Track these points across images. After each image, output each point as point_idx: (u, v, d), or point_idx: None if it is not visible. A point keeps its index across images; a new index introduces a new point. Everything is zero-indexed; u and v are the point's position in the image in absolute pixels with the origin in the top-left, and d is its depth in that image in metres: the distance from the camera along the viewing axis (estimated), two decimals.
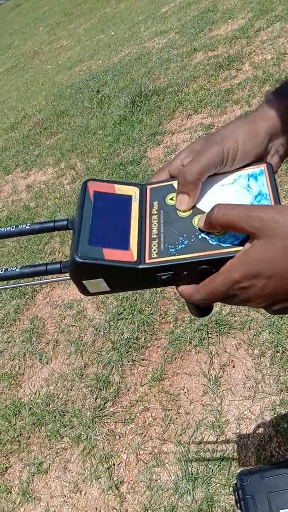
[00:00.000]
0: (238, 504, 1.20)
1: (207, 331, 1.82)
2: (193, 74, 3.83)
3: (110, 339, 2.05)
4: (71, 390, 1.95)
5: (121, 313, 2.14)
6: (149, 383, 1.79)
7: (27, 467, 1.77)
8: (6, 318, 2.53)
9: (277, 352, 1.63)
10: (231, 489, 1.36)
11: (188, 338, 1.84)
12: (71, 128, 4.35)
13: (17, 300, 2.60)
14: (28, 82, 7.29)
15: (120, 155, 3.37)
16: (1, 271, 0.45)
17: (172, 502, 1.43)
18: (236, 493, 1.22)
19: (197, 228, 0.43)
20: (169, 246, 0.43)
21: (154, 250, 0.43)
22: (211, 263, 0.41)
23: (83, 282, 0.44)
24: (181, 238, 0.43)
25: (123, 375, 1.87)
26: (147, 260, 0.42)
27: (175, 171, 0.47)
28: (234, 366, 1.67)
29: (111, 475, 1.60)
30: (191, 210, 0.44)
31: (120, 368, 1.90)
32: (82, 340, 2.14)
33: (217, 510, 1.36)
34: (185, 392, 1.69)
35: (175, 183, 0.46)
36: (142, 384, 1.81)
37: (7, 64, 9.60)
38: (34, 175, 3.95)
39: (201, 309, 0.48)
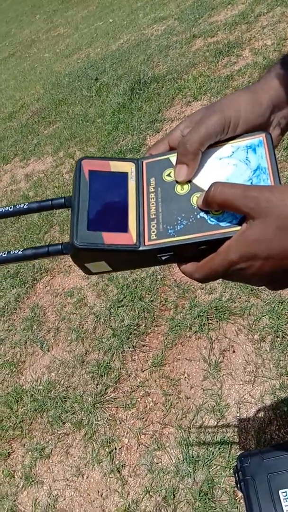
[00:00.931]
0: (238, 485, 1.22)
1: (207, 317, 1.83)
2: (193, 61, 3.80)
3: (111, 326, 2.06)
4: (72, 376, 1.96)
5: (122, 300, 2.15)
6: (150, 369, 1.80)
7: (30, 452, 1.79)
8: (6, 307, 2.54)
9: (277, 337, 1.64)
10: (231, 471, 1.38)
11: (188, 324, 1.85)
12: (69, 116, 4.32)
13: (17, 288, 2.60)
14: (26, 71, 7.22)
15: (119, 143, 3.35)
16: (4, 254, 0.45)
17: (173, 485, 1.45)
18: (236, 475, 1.24)
19: (195, 207, 0.42)
20: (168, 227, 0.43)
21: (153, 232, 0.43)
22: (210, 243, 0.41)
23: (85, 264, 0.44)
24: (179, 218, 0.43)
25: (124, 361, 1.88)
26: (146, 242, 0.43)
27: (175, 142, 0.46)
28: (234, 351, 1.68)
29: (112, 459, 1.61)
30: (189, 187, 0.44)
31: (120, 355, 1.91)
32: (83, 328, 2.15)
33: (218, 491, 1.38)
34: (185, 377, 1.70)
35: (171, 157, 0.45)
36: (143, 369, 1.82)
37: (4, 53, 9.49)
38: (32, 164, 3.93)
39: None
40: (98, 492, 1.56)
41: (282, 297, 1.76)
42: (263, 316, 1.73)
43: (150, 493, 1.47)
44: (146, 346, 1.90)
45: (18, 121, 5.08)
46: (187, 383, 1.69)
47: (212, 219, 0.41)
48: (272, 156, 0.43)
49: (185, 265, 0.43)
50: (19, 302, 2.53)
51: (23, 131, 4.68)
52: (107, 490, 1.55)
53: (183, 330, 1.85)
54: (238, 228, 0.40)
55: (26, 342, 2.26)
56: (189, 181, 0.44)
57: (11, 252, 0.45)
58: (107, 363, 1.91)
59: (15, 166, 4.11)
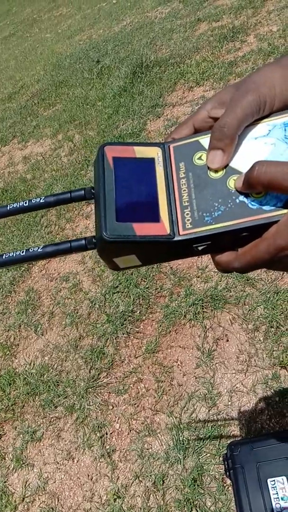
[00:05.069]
0: (228, 473, 1.23)
1: (202, 306, 1.82)
2: (196, 45, 3.73)
3: (106, 312, 2.05)
4: (65, 361, 1.96)
5: (117, 286, 2.14)
6: (143, 355, 1.80)
7: (21, 435, 1.80)
8: (1, 290, 2.52)
9: (271, 327, 1.64)
10: (221, 459, 1.39)
11: (183, 312, 1.84)
12: (69, 99, 4.25)
13: (12, 272, 2.59)
14: (27, 51, 7.09)
15: (119, 127, 3.30)
16: (23, 252, 0.42)
17: (163, 470, 1.46)
18: (226, 463, 1.24)
19: (233, 191, 0.39)
20: (205, 214, 0.39)
21: (188, 220, 0.39)
22: (253, 229, 0.37)
23: (113, 259, 0.41)
24: (216, 204, 0.39)
25: (118, 347, 1.88)
26: (181, 232, 0.39)
27: (201, 124, 0.42)
28: (227, 340, 1.68)
29: (103, 443, 1.62)
30: (224, 170, 0.40)
31: (114, 340, 1.91)
32: (77, 313, 2.14)
33: (207, 478, 1.38)
34: (178, 365, 1.70)
35: (201, 139, 0.42)
36: (136, 356, 1.81)
37: (5, 32, 9.31)
38: (31, 147, 3.88)
39: None
40: (88, 476, 1.57)
41: (277, 288, 1.75)
42: (258, 306, 1.72)
43: (140, 478, 1.48)
44: (140, 333, 1.89)
45: (18, 102, 5.00)
46: (180, 370, 1.69)
47: (253, 202, 0.38)
48: None
49: (221, 255, 0.40)
50: (14, 285, 2.51)
51: (22, 113, 4.62)
52: (97, 474, 1.56)
53: (177, 318, 1.84)
54: (285, 211, 0.36)
55: (20, 326, 2.25)
56: None
57: (30, 250, 0.42)
58: (101, 348, 1.91)
59: (13, 148, 4.06)
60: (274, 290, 1.74)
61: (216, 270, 1.94)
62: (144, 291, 2.02)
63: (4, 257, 0.42)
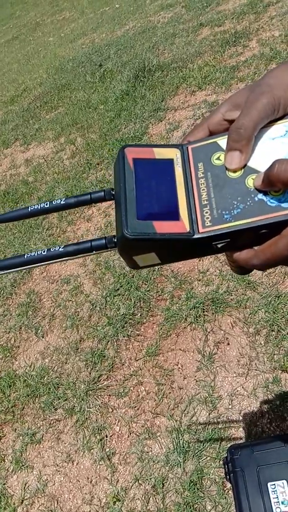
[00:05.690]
0: (228, 477, 1.22)
1: (203, 309, 1.82)
2: (199, 50, 3.75)
3: (106, 315, 2.05)
4: (66, 363, 1.96)
5: (118, 289, 2.14)
6: (144, 358, 1.80)
7: (21, 437, 1.79)
8: (2, 292, 2.52)
9: (272, 331, 1.64)
10: (221, 462, 1.38)
11: (184, 315, 1.84)
12: (72, 102, 4.27)
13: (14, 274, 2.59)
14: (29, 55, 7.13)
15: (121, 131, 3.31)
16: (45, 252, 0.43)
17: (163, 474, 1.46)
18: (226, 466, 1.24)
19: (252, 190, 0.40)
20: (224, 212, 0.40)
21: (207, 218, 0.40)
22: (272, 226, 0.38)
23: (133, 257, 0.42)
24: (235, 202, 0.40)
25: (118, 350, 1.88)
26: (201, 230, 0.40)
27: (216, 126, 0.44)
28: (228, 344, 1.68)
29: (103, 446, 1.62)
30: (242, 170, 0.41)
31: (115, 343, 1.91)
32: (78, 315, 2.14)
33: (207, 482, 1.38)
34: (179, 368, 1.70)
35: (219, 141, 0.43)
36: (137, 359, 1.81)
37: (8, 35, 9.36)
38: (33, 149, 3.89)
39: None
40: (88, 478, 1.57)
41: (279, 291, 1.75)
42: (259, 309, 1.72)
43: (140, 481, 1.48)
44: (141, 336, 1.89)
45: (20, 105, 5.03)
46: (181, 373, 1.68)
47: (272, 200, 0.38)
48: None
49: (240, 252, 0.41)
50: (15, 287, 2.52)
51: (24, 115, 4.63)
52: (96, 477, 1.56)
53: (178, 321, 1.84)
54: None
55: (21, 328, 2.25)
56: None
57: (51, 250, 0.43)
58: (101, 351, 1.91)
59: (15, 151, 4.07)
60: (275, 294, 1.74)
61: (216, 273, 1.94)
62: (145, 294, 2.02)
63: (26, 256, 0.43)
